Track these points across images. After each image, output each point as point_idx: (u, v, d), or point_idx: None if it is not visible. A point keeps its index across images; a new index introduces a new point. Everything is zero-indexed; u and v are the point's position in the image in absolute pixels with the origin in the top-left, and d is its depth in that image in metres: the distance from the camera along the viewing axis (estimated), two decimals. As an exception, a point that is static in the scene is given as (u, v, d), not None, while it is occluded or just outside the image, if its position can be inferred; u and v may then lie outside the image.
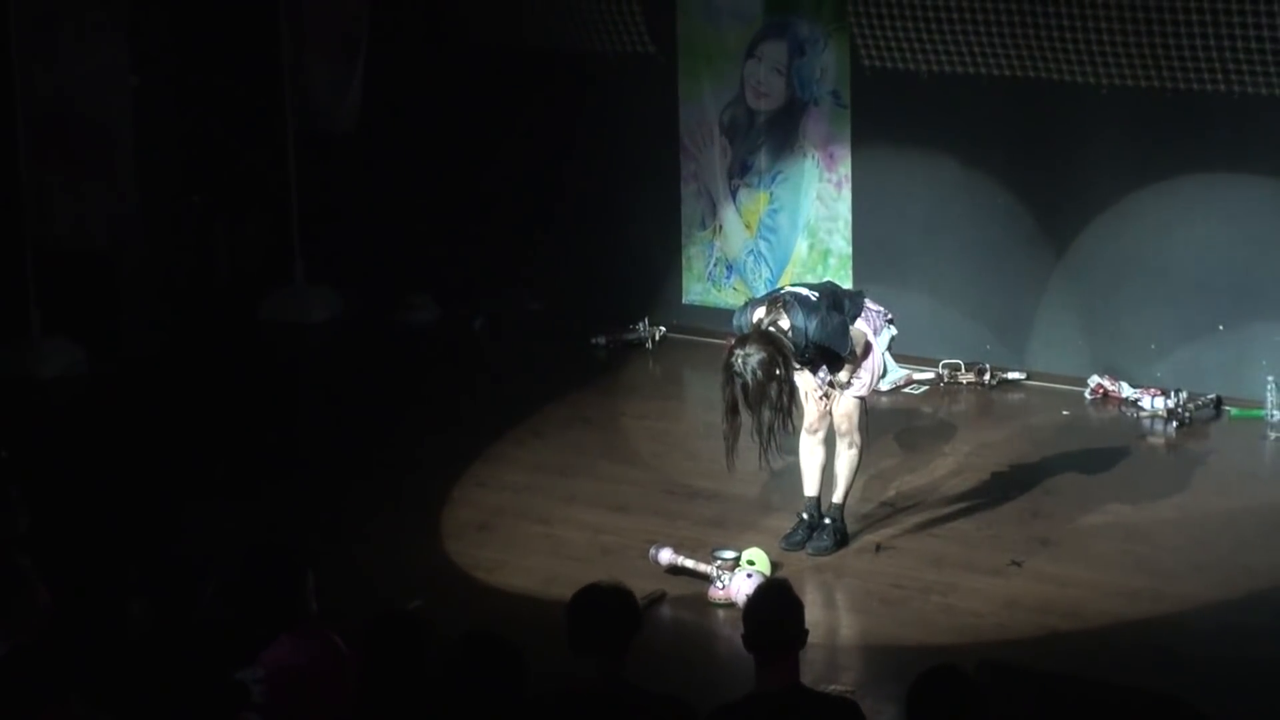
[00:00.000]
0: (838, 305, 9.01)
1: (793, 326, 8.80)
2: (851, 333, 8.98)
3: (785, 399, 8.70)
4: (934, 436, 10.90)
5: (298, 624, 6.70)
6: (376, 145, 13.12)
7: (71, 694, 6.25)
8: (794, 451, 9.31)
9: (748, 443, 8.73)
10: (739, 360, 8.67)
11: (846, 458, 9.33)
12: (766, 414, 8.65)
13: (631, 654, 6.09)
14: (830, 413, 9.29)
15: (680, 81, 12.35)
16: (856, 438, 9.30)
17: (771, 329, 8.78)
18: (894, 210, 11.89)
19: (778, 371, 8.66)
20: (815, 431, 9.35)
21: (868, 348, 9.12)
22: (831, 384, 9.17)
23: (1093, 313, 11.48)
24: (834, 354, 8.98)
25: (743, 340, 8.78)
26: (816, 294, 9.00)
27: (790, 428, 8.86)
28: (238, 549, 7.18)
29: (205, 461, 10.67)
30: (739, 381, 8.65)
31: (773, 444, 8.71)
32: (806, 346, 8.85)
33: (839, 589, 9.16)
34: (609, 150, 12.59)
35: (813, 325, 8.82)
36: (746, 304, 9.16)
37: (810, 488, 9.43)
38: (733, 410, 8.71)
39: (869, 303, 9.22)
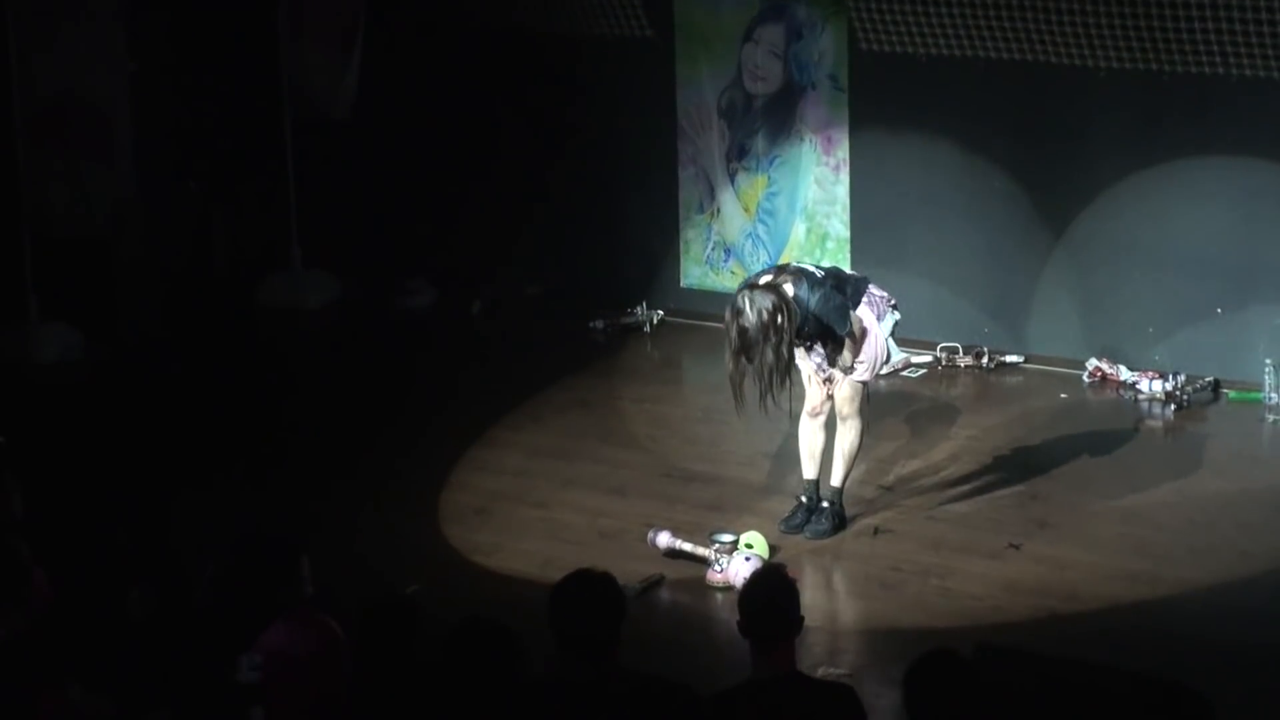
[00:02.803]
0: (840, 288, 9.04)
1: (795, 296, 8.85)
2: (851, 317, 9.00)
3: (785, 349, 8.73)
4: (932, 420, 10.90)
5: (294, 609, 6.70)
6: (374, 130, 13.10)
7: (69, 680, 6.25)
8: (794, 435, 9.32)
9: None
10: (744, 298, 8.76)
11: (846, 441, 9.33)
12: (769, 355, 8.68)
13: (621, 643, 6.04)
14: (831, 396, 9.29)
15: (678, 65, 12.34)
16: (857, 422, 9.30)
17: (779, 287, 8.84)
18: (892, 193, 11.88)
19: (780, 319, 8.70)
20: (816, 415, 9.35)
21: (864, 332, 9.12)
22: (832, 375, 9.17)
23: (1090, 296, 11.47)
24: (832, 332, 8.99)
25: (751, 286, 8.83)
26: (822, 272, 9.06)
27: (789, 381, 8.87)
28: (234, 535, 7.18)
29: (210, 454, 10.65)
30: (742, 317, 8.70)
31: (774, 386, 8.73)
32: (806, 318, 8.88)
33: (837, 572, 9.17)
34: (606, 134, 12.58)
35: (815, 298, 8.87)
36: (745, 284, 9.16)
37: (809, 471, 9.43)
38: (737, 352, 8.75)
39: (873, 288, 9.21)
